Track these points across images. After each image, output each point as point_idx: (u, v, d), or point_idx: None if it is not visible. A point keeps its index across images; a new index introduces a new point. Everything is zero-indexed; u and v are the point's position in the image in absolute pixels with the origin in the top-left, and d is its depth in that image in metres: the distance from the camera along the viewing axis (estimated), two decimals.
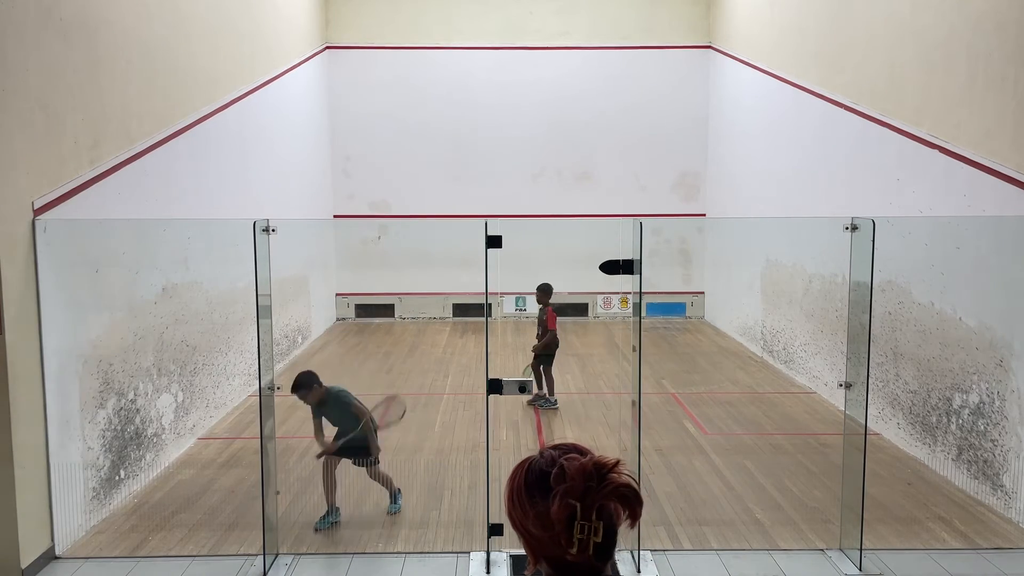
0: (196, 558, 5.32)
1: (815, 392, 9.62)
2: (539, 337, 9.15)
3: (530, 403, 8.98)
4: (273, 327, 5.77)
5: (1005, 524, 5.79)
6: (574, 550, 1.35)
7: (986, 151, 6.41)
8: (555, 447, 1.49)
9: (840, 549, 5.35)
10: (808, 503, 6.21)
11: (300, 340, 12.49)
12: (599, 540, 1.34)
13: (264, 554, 5.15)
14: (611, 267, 5.17)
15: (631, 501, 1.38)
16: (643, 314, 5.58)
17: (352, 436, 5.82)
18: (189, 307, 7.71)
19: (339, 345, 13.11)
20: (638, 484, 1.41)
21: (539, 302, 9.26)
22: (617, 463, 1.38)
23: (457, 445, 7.66)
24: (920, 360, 7.19)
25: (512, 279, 14.93)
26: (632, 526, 1.40)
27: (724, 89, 14.23)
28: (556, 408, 8.91)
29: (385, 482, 6.06)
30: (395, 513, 5.99)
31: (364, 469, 6.02)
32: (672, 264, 15.47)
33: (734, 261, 13.55)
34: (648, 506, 6.06)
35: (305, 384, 5.78)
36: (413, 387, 10.10)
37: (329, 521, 5.80)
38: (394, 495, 6.08)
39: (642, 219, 5.20)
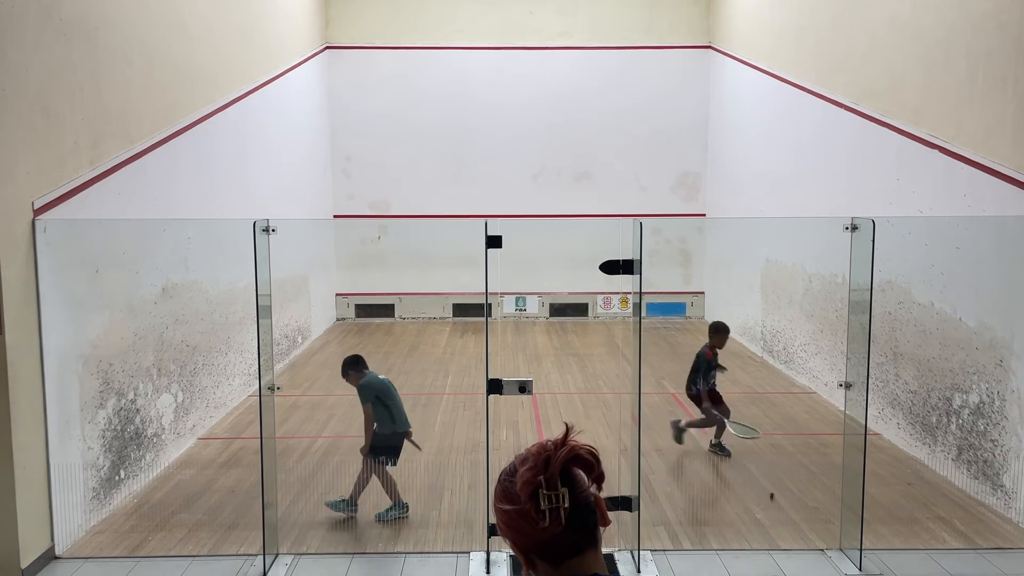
0: (196, 558, 5.32)
1: (815, 392, 9.62)
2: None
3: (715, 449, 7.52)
4: (273, 327, 5.77)
5: (1005, 524, 5.79)
6: (545, 521, 1.39)
7: (986, 151, 6.41)
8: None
9: (840, 549, 5.35)
10: (808, 503, 6.21)
11: (300, 340, 12.49)
12: (567, 506, 1.39)
13: (264, 554, 5.15)
14: (611, 267, 5.17)
15: (588, 461, 1.43)
16: (643, 314, 5.57)
17: (376, 432, 5.97)
18: (189, 307, 7.70)
19: (339, 345, 13.11)
20: (597, 452, 1.46)
21: (719, 345, 7.45)
22: (570, 429, 1.46)
23: (457, 445, 7.66)
24: (920, 360, 7.19)
25: (512, 279, 14.97)
26: (599, 488, 1.45)
27: (724, 89, 14.22)
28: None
29: (387, 486, 6.00)
30: (382, 520, 5.90)
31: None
32: (672, 264, 15.46)
33: (734, 261, 13.55)
34: (648, 506, 6.06)
35: (349, 365, 6.04)
36: (413, 387, 10.09)
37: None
38: (395, 504, 5.96)
39: (642, 219, 5.20)
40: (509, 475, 1.47)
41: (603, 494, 1.49)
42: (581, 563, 1.43)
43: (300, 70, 12.84)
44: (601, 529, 1.47)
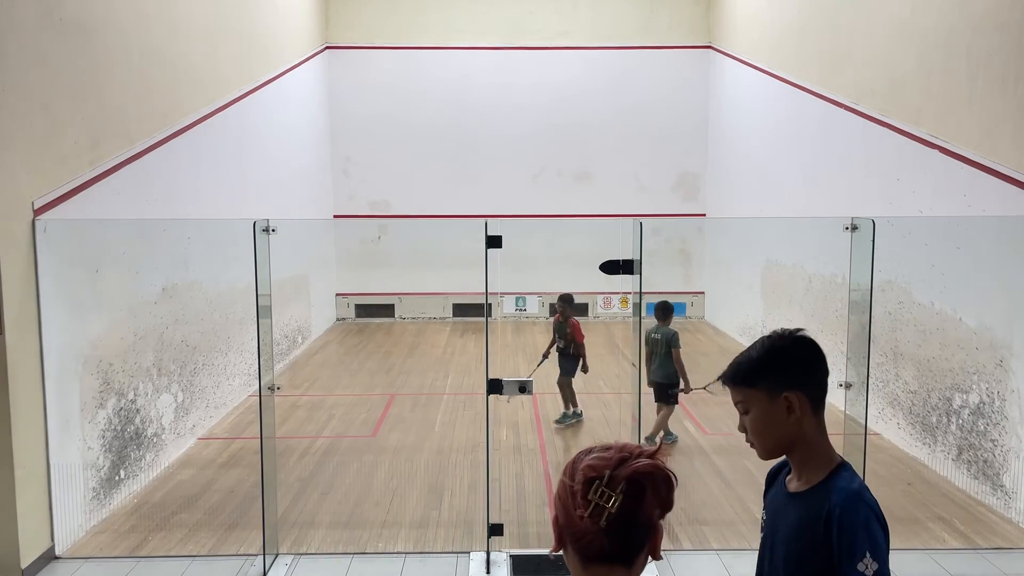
0: (196, 558, 5.31)
1: None
2: (562, 350, 8.48)
3: (559, 422, 8.36)
4: (273, 327, 5.77)
5: (1005, 524, 5.79)
6: (587, 512, 1.35)
7: (986, 151, 6.41)
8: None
9: None
10: None
11: (300, 340, 12.49)
12: (613, 511, 1.34)
13: (264, 554, 5.15)
14: (611, 267, 5.17)
15: (660, 484, 1.38)
16: (643, 314, 5.58)
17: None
18: (189, 307, 7.70)
19: (339, 345, 13.11)
20: (676, 480, 1.40)
21: (563, 314, 8.48)
22: (660, 448, 1.41)
23: (457, 445, 7.66)
24: (920, 360, 7.19)
25: (512, 279, 14.96)
26: (661, 516, 1.40)
27: (724, 89, 14.22)
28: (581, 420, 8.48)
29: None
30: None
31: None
32: (672, 264, 15.47)
33: (734, 261, 13.54)
34: None
35: (670, 309, 7.61)
36: (413, 387, 10.09)
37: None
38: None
39: (642, 219, 5.19)
40: (586, 452, 1.45)
41: None
42: (608, 574, 1.39)
43: (300, 70, 12.84)
44: (649, 559, 1.42)
